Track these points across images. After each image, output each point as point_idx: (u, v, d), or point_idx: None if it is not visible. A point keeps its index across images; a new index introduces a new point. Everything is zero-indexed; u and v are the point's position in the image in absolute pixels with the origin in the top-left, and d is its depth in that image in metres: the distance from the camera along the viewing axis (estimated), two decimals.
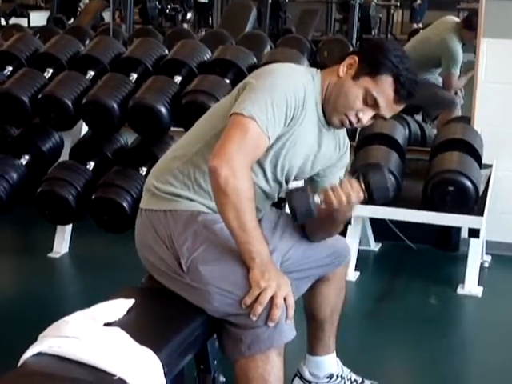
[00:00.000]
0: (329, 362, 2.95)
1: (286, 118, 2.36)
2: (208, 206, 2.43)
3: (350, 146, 2.71)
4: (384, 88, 2.39)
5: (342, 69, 2.45)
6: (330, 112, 2.48)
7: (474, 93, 4.65)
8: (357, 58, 2.43)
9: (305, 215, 2.35)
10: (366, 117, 2.45)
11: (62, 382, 1.98)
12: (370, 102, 2.41)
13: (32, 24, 8.76)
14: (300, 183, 2.66)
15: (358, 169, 2.42)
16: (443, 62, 5.62)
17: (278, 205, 2.75)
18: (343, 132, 2.63)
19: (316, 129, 2.50)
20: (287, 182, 2.58)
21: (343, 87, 2.43)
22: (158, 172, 2.55)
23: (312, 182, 2.66)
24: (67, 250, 4.56)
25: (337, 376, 2.96)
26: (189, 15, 8.46)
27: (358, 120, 2.45)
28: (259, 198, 2.46)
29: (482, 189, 4.23)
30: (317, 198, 2.36)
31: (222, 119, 2.38)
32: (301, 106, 2.39)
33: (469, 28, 5.36)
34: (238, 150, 2.25)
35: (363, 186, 2.38)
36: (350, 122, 2.46)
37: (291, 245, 2.60)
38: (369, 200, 2.41)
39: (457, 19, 5.91)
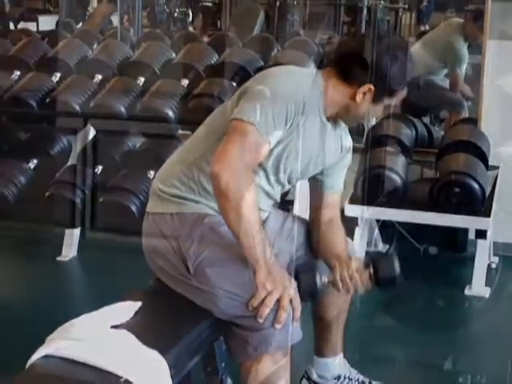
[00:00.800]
0: (336, 364, 2.95)
1: (285, 123, 2.36)
2: (214, 208, 2.43)
3: (357, 148, 2.73)
4: (401, 96, 2.53)
5: (359, 96, 2.45)
6: (349, 122, 2.62)
7: (481, 94, 4.65)
8: (372, 87, 2.44)
9: (309, 297, 2.47)
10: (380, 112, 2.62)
11: None
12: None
13: (41, 28, 8.78)
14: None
15: (369, 259, 2.57)
16: (449, 63, 5.61)
17: (285, 206, 2.76)
18: (345, 132, 2.65)
19: (318, 131, 2.50)
20: (290, 183, 2.60)
21: (363, 108, 2.50)
22: (163, 175, 2.56)
23: (315, 180, 2.69)
24: (75, 253, 4.58)
25: (344, 377, 2.96)
26: (189, 19, 8.47)
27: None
28: (262, 199, 2.47)
29: (488, 190, 4.23)
30: (324, 279, 2.46)
31: (224, 123, 2.39)
32: (301, 111, 2.39)
33: (474, 21, 5.37)
34: (239, 155, 2.26)
35: (372, 274, 2.49)
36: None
37: (297, 246, 2.62)
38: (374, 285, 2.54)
39: (462, 21, 5.90)
